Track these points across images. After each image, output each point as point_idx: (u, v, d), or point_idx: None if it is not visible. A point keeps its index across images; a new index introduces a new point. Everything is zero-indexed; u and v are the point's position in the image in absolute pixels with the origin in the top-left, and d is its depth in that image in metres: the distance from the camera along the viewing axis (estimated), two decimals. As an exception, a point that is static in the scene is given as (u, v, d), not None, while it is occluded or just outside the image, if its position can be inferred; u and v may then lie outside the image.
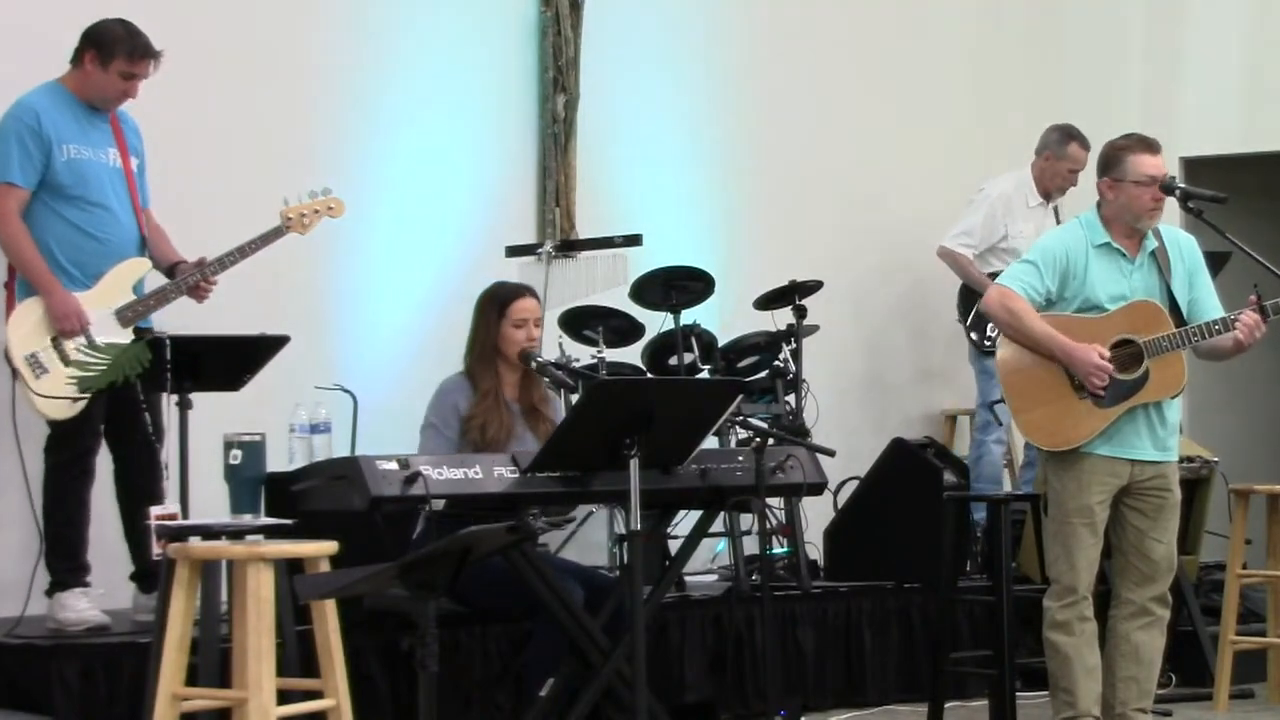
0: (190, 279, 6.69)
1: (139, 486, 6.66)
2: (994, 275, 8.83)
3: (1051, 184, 9.36)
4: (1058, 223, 9.10)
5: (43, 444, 6.63)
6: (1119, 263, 6.48)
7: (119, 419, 6.63)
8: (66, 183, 6.60)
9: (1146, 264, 6.50)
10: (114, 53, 6.62)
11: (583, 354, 8.07)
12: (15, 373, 6.48)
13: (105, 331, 6.48)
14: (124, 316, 6.58)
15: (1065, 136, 9.33)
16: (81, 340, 6.45)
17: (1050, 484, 6.51)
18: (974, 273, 9.17)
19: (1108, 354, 6.37)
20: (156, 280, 6.78)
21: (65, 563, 6.63)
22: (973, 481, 8.88)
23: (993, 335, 9.10)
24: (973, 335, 9.24)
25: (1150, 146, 6.48)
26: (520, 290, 6.75)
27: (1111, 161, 6.49)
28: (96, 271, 6.61)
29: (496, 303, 6.66)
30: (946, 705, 7.31)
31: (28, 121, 6.57)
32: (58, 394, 6.38)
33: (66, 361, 6.44)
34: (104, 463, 6.79)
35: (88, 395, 6.36)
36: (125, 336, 6.48)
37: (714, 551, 8.84)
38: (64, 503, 6.62)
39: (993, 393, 9.17)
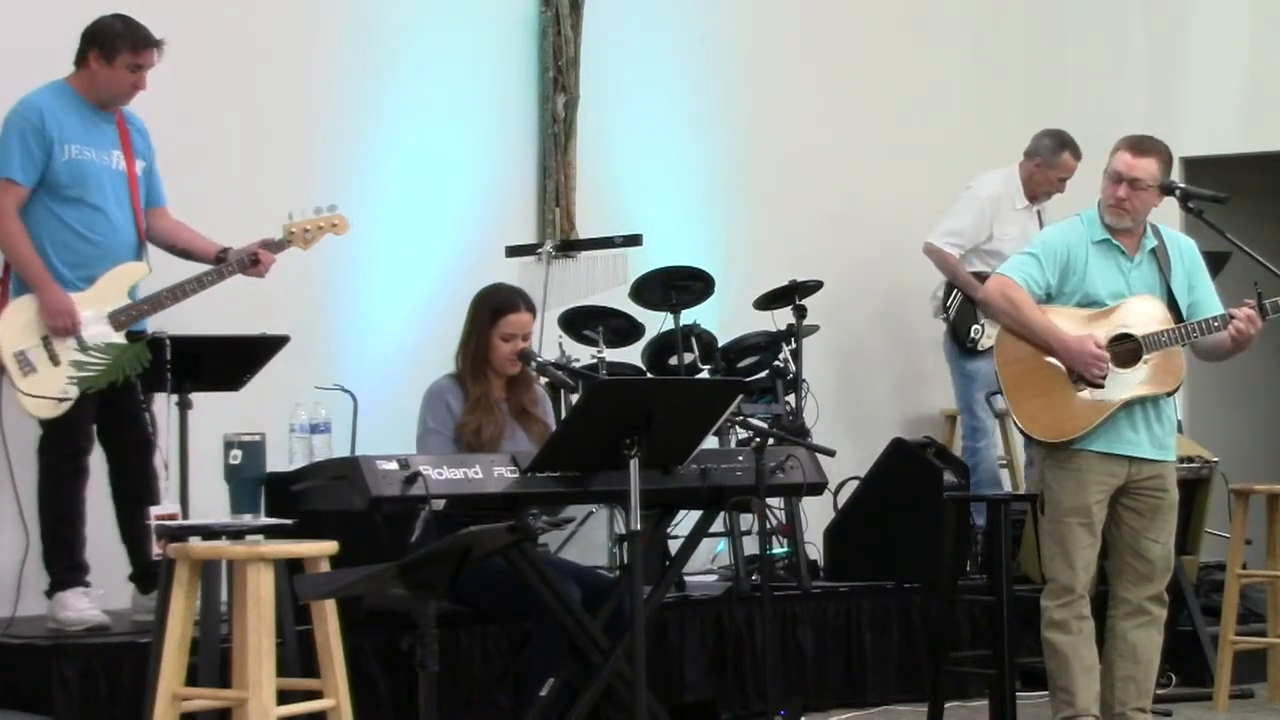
0: (248, 258, 6.69)
1: (134, 488, 6.65)
2: (977, 275, 8.85)
3: (1039, 189, 9.25)
4: (1040, 226, 9.06)
5: (31, 445, 6.61)
6: (1118, 259, 6.50)
7: (113, 420, 6.62)
8: (65, 183, 6.59)
9: (1146, 261, 6.52)
10: (118, 48, 6.61)
11: (583, 354, 8.07)
12: (2, 369, 6.46)
13: (97, 334, 6.46)
14: (117, 320, 6.56)
15: (1059, 145, 9.20)
16: (72, 341, 6.44)
17: (1047, 483, 6.52)
18: (961, 272, 9.12)
19: (1104, 343, 6.39)
20: (153, 285, 6.75)
21: (63, 562, 6.62)
22: (971, 488, 8.84)
23: (975, 336, 9.10)
24: (954, 334, 9.21)
25: (1134, 145, 6.50)
26: (515, 302, 6.59)
27: None
28: (89, 273, 6.59)
29: (489, 310, 6.56)
30: (946, 705, 7.31)
31: (31, 120, 6.56)
32: (44, 393, 6.37)
33: (55, 361, 6.43)
34: (100, 463, 6.78)
35: (73, 396, 6.34)
36: (117, 340, 6.46)
37: (714, 551, 8.84)
38: (58, 502, 6.60)
39: (972, 395, 9.17)
